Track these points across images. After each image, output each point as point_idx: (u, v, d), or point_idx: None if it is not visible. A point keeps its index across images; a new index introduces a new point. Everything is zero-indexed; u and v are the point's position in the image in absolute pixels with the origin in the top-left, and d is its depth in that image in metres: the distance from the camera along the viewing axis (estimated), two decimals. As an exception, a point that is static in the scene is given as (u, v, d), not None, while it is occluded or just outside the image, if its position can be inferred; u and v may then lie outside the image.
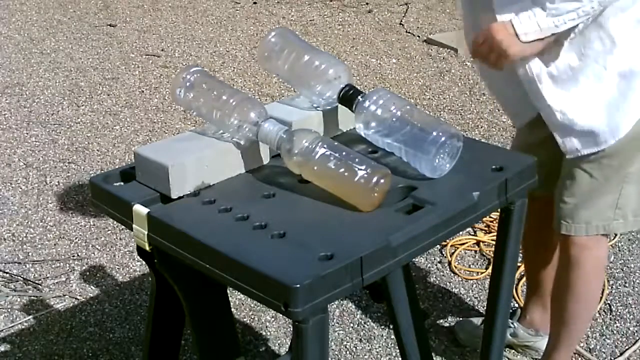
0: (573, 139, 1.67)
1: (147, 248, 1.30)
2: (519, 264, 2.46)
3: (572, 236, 1.78)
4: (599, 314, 2.34)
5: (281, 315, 1.73)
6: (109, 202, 1.38)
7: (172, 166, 1.30)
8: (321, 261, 1.11)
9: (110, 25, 5.34)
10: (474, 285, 2.51)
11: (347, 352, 2.23)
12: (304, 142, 1.28)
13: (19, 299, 2.49)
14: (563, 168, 1.75)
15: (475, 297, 2.45)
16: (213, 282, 1.27)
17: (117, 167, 1.95)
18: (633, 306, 2.39)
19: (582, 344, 2.20)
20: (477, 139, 2.45)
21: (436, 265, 2.63)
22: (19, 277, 2.59)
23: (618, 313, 2.36)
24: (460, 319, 2.31)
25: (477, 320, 2.22)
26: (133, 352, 2.24)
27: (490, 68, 1.63)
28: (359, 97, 1.42)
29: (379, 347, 2.24)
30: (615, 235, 2.68)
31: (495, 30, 1.55)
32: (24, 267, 2.66)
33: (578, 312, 1.90)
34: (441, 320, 2.35)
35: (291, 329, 2.07)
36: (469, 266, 2.63)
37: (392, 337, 2.26)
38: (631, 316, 2.35)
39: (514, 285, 2.37)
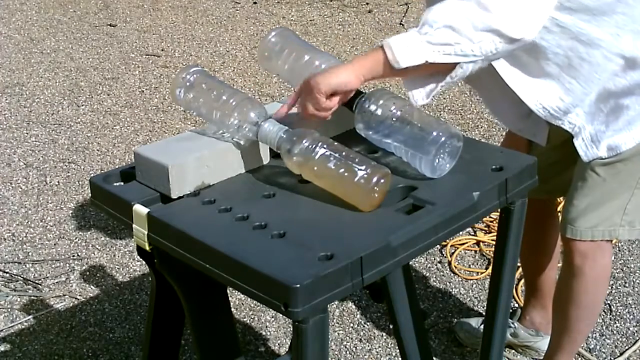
0: (596, 150, 1.65)
1: (147, 248, 1.30)
2: (518, 264, 2.47)
3: (576, 242, 1.75)
4: (599, 314, 2.34)
5: (281, 315, 1.73)
6: (109, 202, 1.38)
7: (172, 166, 1.30)
8: (321, 261, 1.11)
9: (110, 25, 5.35)
10: (474, 285, 2.51)
11: (347, 352, 2.23)
12: (304, 142, 1.28)
13: (19, 299, 2.49)
14: (576, 170, 1.73)
15: (475, 297, 2.45)
16: (213, 282, 1.27)
17: (117, 167, 1.95)
18: (633, 306, 2.39)
19: (582, 344, 2.20)
20: (477, 139, 2.45)
21: (436, 265, 2.63)
22: (19, 277, 2.59)
23: (618, 313, 2.36)
24: (461, 319, 2.31)
25: (477, 320, 2.22)
26: (133, 352, 2.24)
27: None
28: (359, 97, 1.42)
29: (379, 347, 2.24)
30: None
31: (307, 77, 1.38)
32: (24, 267, 2.66)
33: (580, 319, 1.88)
34: (441, 320, 2.35)
35: (291, 329, 2.07)
36: (469, 266, 2.63)
37: (392, 337, 2.26)
38: (631, 316, 2.35)
39: (514, 285, 2.37)
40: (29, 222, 2.93)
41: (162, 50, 4.84)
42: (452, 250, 2.69)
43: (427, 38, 1.32)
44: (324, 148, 1.27)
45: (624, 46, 1.52)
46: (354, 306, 2.42)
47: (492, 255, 1.59)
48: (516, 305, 2.34)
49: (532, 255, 2.09)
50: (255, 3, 5.78)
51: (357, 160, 1.26)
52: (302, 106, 1.40)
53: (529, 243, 2.06)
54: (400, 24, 5.21)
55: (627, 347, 2.23)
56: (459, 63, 1.36)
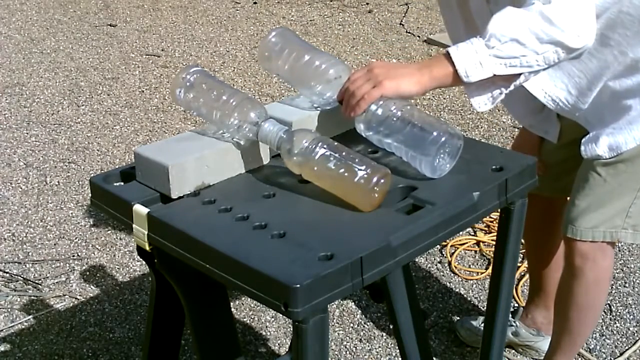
0: (595, 146, 1.66)
1: (147, 248, 1.30)
2: (519, 264, 2.47)
3: (576, 242, 1.74)
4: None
5: (281, 315, 1.73)
6: (109, 202, 1.38)
7: (172, 166, 1.30)
8: (321, 261, 1.11)
9: (110, 25, 5.35)
10: (474, 285, 2.51)
11: (347, 352, 2.23)
12: (304, 142, 1.28)
13: (19, 299, 2.49)
14: (579, 170, 1.74)
15: (475, 297, 2.45)
16: (213, 282, 1.27)
17: (117, 167, 1.95)
18: (633, 306, 2.39)
19: (582, 346, 2.20)
20: (477, 139, 2.45)
21: (436, 265, 2.63)
22: (19, 277, 2.59)
23: (618, 313, 2.36)
24: (462, 317, 2.31)
25: (479, 319, 2.22)
26: (133, 352, 2.24)
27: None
28: (359, 97, 1.42)
29: (379, 347, 2.24)
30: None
31: (377, 63, 1.41)
32: (24, 267, 2.66)
33: (580, 321, 1.88)
34: (441, 320, 2.35)
35: (291, 329, 2.07)
36: (469, 266, 2.63)
37: (392, 337, 2.25)
38: (631, 316, 2.35)
39: (514, 286, 2.37)
40: (29, 222, 2.93)
41: (162, 50, 4.84)
42: (452, 250, 2.69)
43: (495, 52, 1.35)
44: (324, 148, 1.27)
45: (632, 47, 1.55)
46: (354, 306, 2.42)
47: (492, 255, 1.59)
48: (516, 305, 2.34)
49: (539, 254, 2.09)
50: (255, 3, 5.78)
51: (357, 160, 1.26)
52: (351, 83, 1.39)
53: (536, 242, 2.07)
54: (400, 24, 5.21)
55: (627, 347, 2.23)
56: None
